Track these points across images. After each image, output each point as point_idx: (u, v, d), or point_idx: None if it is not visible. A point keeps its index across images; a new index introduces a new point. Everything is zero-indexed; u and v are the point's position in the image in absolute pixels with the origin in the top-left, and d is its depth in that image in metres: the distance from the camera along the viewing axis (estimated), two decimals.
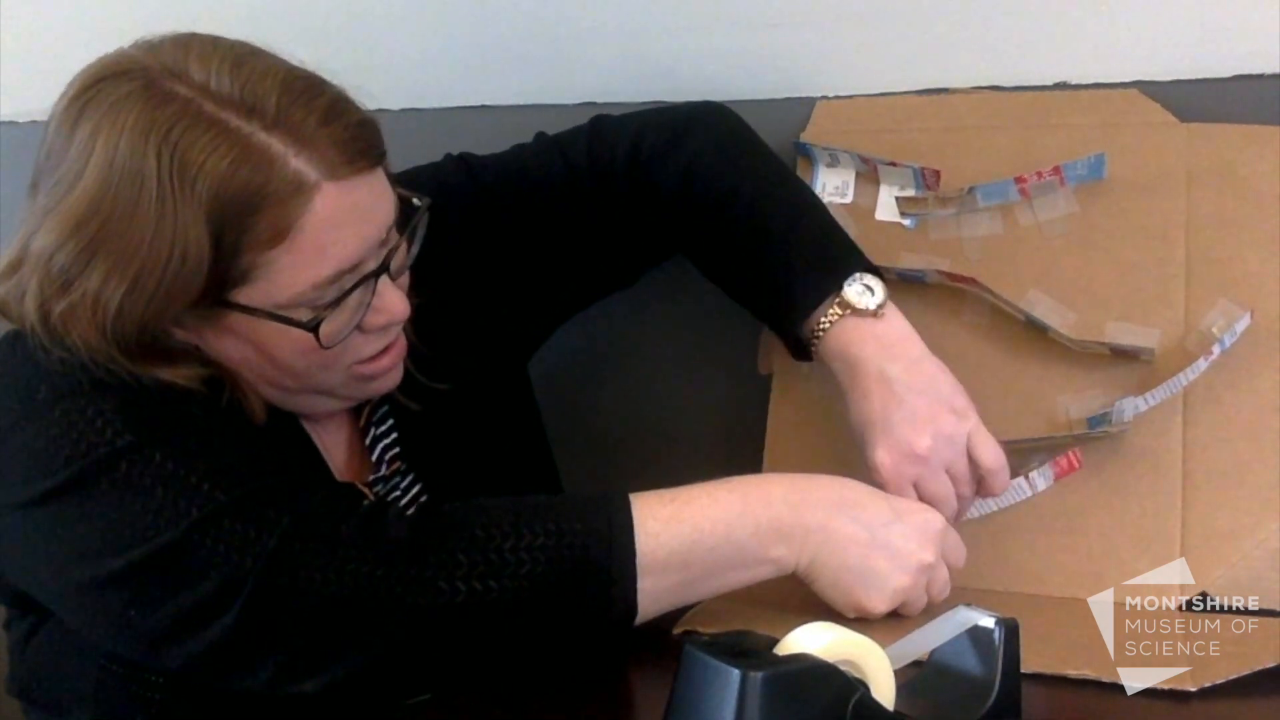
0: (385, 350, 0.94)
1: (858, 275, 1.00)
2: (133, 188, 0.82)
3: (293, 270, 0.85)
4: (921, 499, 0.96)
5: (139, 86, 0.84)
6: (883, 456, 0.96)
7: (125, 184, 0.82)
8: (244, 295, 0.86)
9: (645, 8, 1.22)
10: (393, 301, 0.91)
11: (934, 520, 0.92)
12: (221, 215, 0.82)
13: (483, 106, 1.29)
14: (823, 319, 1.00)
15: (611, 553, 0.83)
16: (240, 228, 0.83)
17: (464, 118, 1.27)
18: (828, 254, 1.03)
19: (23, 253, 0.87)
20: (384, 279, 0.90)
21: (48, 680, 0.95)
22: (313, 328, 0.87)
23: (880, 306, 0.99)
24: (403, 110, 1.28)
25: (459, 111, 1.30)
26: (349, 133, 0.86)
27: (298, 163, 0.84)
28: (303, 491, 0.85)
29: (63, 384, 0.85)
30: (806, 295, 1.00)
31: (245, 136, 0.83)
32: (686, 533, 0.85)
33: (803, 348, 1.03)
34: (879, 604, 0.89)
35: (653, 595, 0.85)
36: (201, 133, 0.82)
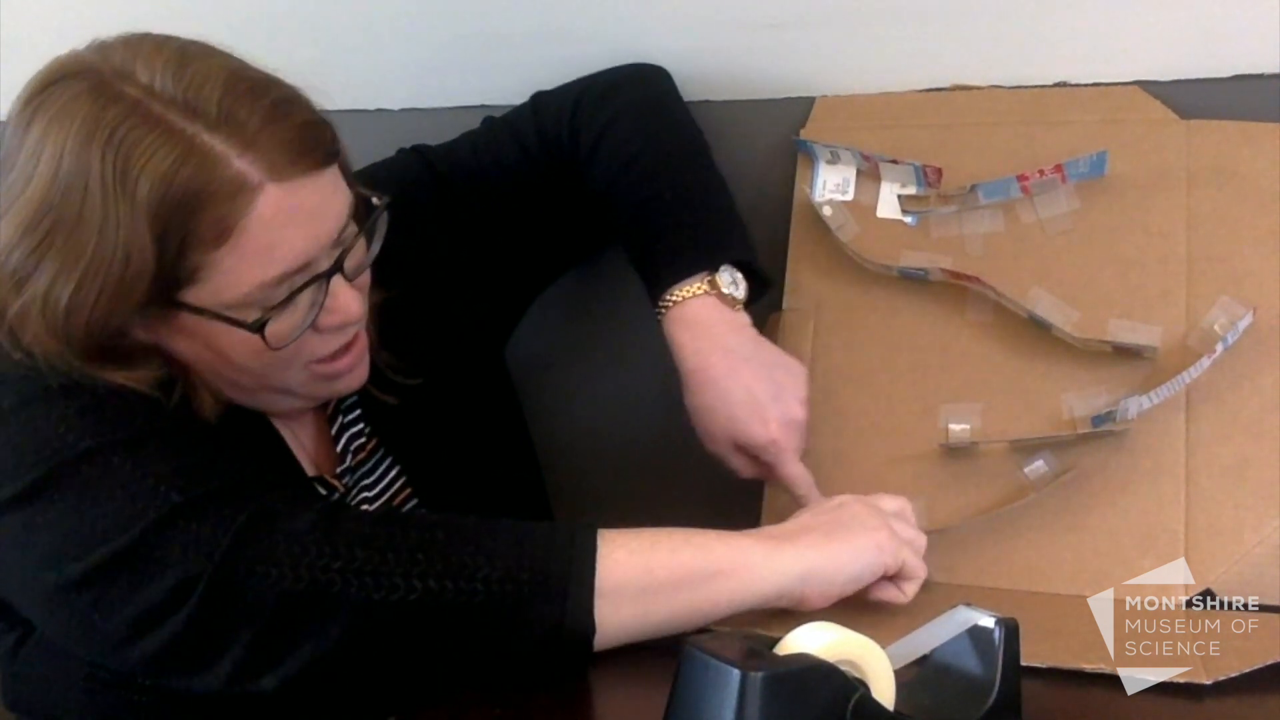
0: (345, 350, 0.94)
1: (730, 267, 1.04)
2: (79, 189, 0.82)
3: (238, 271, 0.84)
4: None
5: (87, 87, 0.84)
6: (773, 429, 1.01)
7: (72, 185, 0.82)
8: (193, 295, 0.86)
9: (645, 7, 1.22)
10: (346, 302, 0.90)
11: (887, 502, 0.96)
12: (164, 216, 0.82)
13: (483, 106, 1.29)
14: (687, 289, 1.03)
15: (570, 567, 0.83)
16: (183, 228, 0.82)
17: (464, 118, 1.26)
18: (713, 234, 1.07)
19: None
20: (337, 279, 0.89)
21: (40, 691, 0.94)
22: (258, 329, 0.87)
23: (739, 302, 1.04)
24: (403, 110, 1.28)
25: (459, 111, 1.30)
26: (293, 133, 0.85)
27: (240, 163, 0.83)
28: (261, 489, 0.85)
29: (27, 389, 0.85)
30: (683, 265, 1.04)
31: (189, 137, 0.82)
32: (645, 576, 0.85)
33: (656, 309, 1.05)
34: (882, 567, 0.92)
35: (612, 620, 0.84)
36: (145, 133, 0.82)
